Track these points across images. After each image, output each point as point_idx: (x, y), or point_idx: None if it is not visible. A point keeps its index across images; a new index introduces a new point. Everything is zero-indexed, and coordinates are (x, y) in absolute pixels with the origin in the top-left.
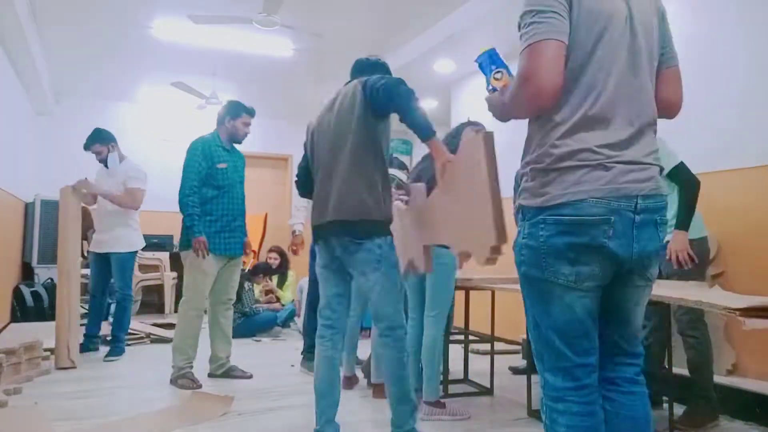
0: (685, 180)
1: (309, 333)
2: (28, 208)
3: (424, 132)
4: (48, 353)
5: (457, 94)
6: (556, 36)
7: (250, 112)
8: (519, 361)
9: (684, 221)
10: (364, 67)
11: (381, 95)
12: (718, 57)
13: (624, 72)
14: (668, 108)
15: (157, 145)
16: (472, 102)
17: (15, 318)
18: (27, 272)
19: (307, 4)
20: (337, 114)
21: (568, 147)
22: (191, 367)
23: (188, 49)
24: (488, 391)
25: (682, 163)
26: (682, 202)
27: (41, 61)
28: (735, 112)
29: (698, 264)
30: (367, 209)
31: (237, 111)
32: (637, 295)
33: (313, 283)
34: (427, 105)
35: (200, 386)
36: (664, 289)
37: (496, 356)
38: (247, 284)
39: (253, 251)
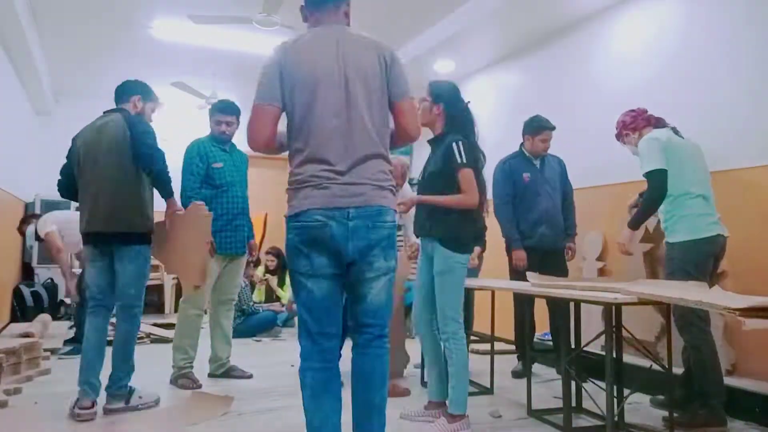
0: (648, 187)
1: None
2: (28, 208)
3: (163, 193)
4: (48, 353)
5: None
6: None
7: (223, 110)
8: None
9: (632, 221)
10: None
11: (144, 162)
12: (717, 57)
13: (334, 120)
14: (405, 134)
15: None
16: (471, 102)
17: (15, 318)
18: (27, 272)
19: None
20: None
21: (300, 175)
22: (191, 367)
23: (188, 49)
24: (488, 391)
25: (648, 171)
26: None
27: (41, 61)
28: (735, 113)
29: (695, 265)
30: None
31: (212, 110)
32: (368, 281)
33: None
34: None
35: (200, 386)
36: (665, 289)
37: (496, 356)
38: (242, 282)
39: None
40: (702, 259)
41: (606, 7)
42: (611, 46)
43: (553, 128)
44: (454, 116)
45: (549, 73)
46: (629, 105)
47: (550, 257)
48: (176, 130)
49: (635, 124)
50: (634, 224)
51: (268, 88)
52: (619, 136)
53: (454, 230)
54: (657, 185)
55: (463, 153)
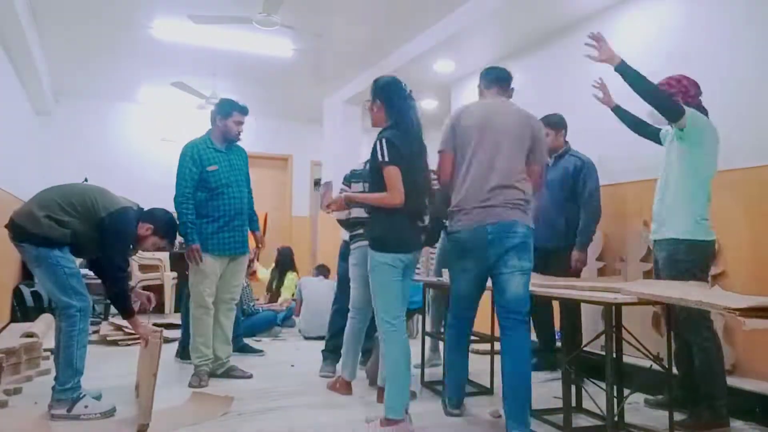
0: None
1: (335, 333)
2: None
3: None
4: (48, 353)
5: (457, 94)
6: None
7: (242, 110)
8: None
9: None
10: None
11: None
12: (716, 57)
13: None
14: None
15: (157, 144)
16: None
17: (15, 318)
18: (27, 272)
19: (307, 4)
20: None
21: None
22: (208, 365)
23: (188, 49)
24: (488, 391)
25: None
26: None
27: (41, 61)
28: (735, 112)
29: (701, 267)
30: None
31: (228, 110)
32: None
33: (341, 284)
34: (427, 105)
35: (204, 386)
36: (664, 289)
37: (496, 356)
38: (245, 281)
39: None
40: (709, 264)
41: (606, 7)
42: (612, 45)
43: (550, 124)
44: (395, 110)
45: (549, 73)
46: (629, 105)
47: (552, 257)
48: (176, 130)
49: (694, 101)
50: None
51: None
52: (684, 97)
53: (378, 229)
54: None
55: (384, 150)
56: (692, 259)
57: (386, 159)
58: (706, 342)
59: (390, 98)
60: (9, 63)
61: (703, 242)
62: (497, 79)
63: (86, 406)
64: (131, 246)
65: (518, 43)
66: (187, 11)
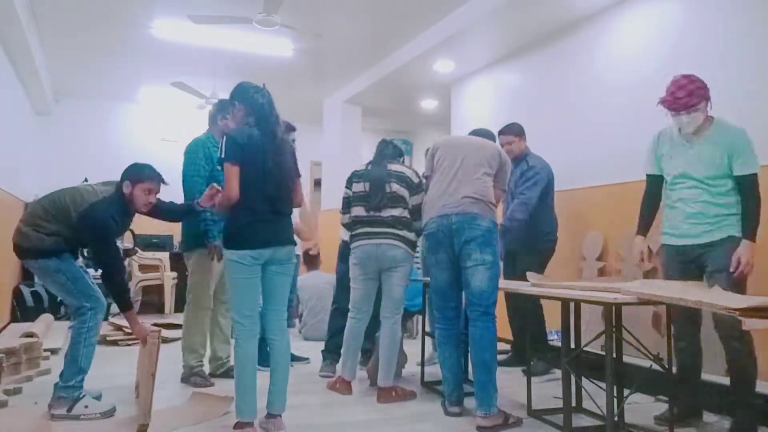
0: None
1: (335, 333)
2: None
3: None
4: (48, 353)
5: (457, 94)
6: None
7: None
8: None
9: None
10: None
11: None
12: (715, 57)
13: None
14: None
15: (157, 144)
16: (471, 102)
17: (15, 318)
18: (27, 272)
19: (307, 4)
20: None
21: None
22: (202, 365)
23: (188, 49)
24: None
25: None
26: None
27: (41, 61)
28: (735, 112)
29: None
30: None
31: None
32: None
33: (340, 284)
34: (427, 105)
35: (212, 384)
36: (665, 289)
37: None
38: None
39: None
40: None
41: (605, 7)
42: (611, 45)
43: (507, 133)
44: (253, 110)
45: (549, 73)
46: (629, 104)
47: (519, 258)
48: (176, 130)
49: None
50: (755, 234)
51: None
52: (692, 100)
53: (227, 226)
54: (758, 191)
55: (223, 147)
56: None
57: (223, 155)
58: (750, 345)
59: (247, 100)
60: (9, 63)
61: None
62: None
63: (86, 406)
64: (113, 235)
65: (518, 43)
66: (187, 11)
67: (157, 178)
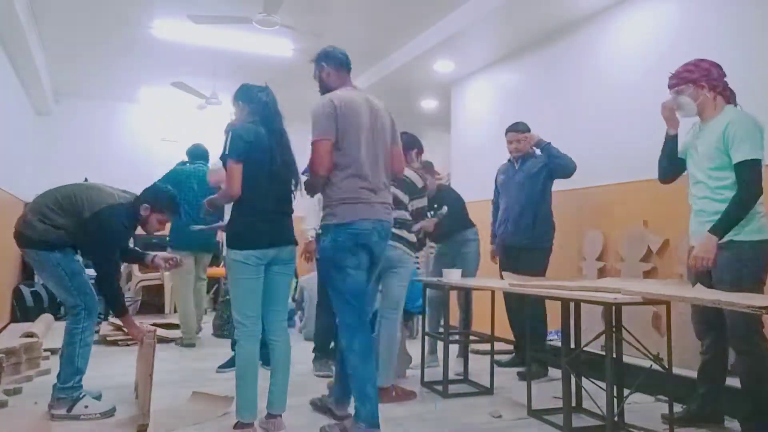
0: (746, 180)
1: (321, 331)
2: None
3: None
4: (48, 353)
5: (457, 94)
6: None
7: None
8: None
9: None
10: None
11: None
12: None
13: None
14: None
15: (157, 144)
16: (471, 102)
17: (15, 318)
18: (27, 272)
19: (307, 4)
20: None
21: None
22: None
23: (188, 49)
24: (488, 391)
25: (754, 159)
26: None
27: (41, 61)
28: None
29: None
30: None
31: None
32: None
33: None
34: (427, 105)
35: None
36: (665, 289)
37: (496, 356)
38: None
39: None
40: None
41: (606, 7)
42: (611, 46)
43: (518, 130)
44: (258, 108)
45: (548, 74)
46: (629, 104)
47: (523, 255)
48: (176, 130)
49: (719, 83)
50: (725, 230)
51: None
52: (687, 81)
53: (231, 225)
54: (758, 179)
55: (227, 144)
56: (756, 259)
57: (226, 152)
58: (765, 351)
59: (251, 99)
60: (9, 63)
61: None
62: (342, 65)
63: (86, 406)
64: (119, 242)
65: (518, 43)
66: (187, 11)
67: (176, 213)
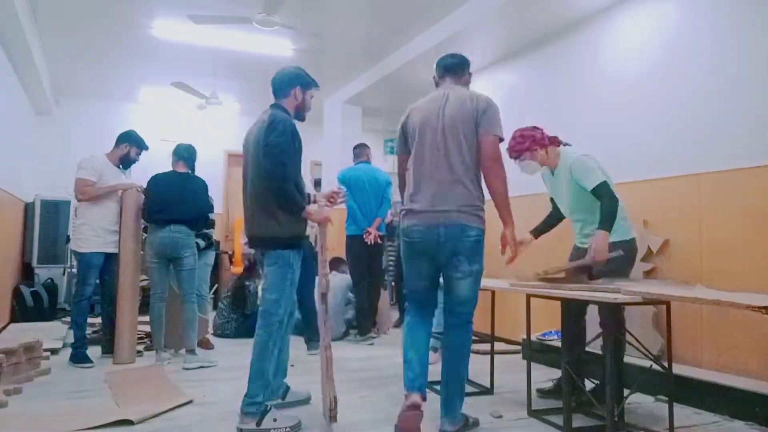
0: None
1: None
2: (28, 208)
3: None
4: (48, 353)
5: None
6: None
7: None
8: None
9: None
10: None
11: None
12: (715, 57)
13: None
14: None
15: (157, 144)
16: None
17: (15, 318)
18: (27, 272)
19: (307, 4)
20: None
21: None
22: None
23: (188, 49)
24: (488, 391)
25: (602, 183)
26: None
27: (41, 61)
28: (735, 111)
29: (626, 263)
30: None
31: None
32: None
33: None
34: None
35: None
36: (665, 289)
37: (496, 356)
38: (252, 285)
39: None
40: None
41: (606, 7)
42: (611, 45)
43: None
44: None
45: (549, 73)
46: (630, 104)
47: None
48: (176, 129)
49: (545, 139)
50: (610, 225)
51: None
52: (522, 151)
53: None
54: (611, 193)
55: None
56: (629, 255)
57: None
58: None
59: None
60: (9, 63)
61: (632, 240)
62: (446, 68)
63: (275, 419)
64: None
65: (519, 43)
66: (187, 11)
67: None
